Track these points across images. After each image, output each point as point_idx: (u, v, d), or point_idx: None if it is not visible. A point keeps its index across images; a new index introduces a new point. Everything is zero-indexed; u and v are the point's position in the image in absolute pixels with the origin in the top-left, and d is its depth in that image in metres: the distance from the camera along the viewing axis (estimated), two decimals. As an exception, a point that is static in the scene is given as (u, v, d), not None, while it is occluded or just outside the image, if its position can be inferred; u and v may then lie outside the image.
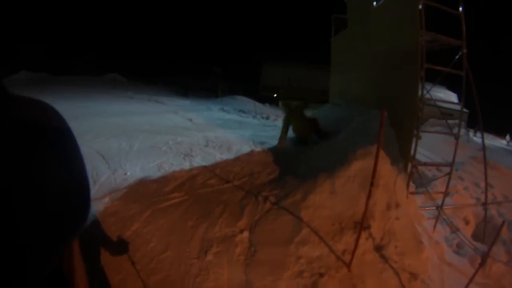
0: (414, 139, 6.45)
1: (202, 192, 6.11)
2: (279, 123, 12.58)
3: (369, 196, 4.39)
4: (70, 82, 20.34)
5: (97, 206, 5.49)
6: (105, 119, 11.28)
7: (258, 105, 16.48)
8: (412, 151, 6.50)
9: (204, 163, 7.37)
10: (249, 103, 16.36)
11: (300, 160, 7.49)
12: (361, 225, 4.53)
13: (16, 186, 0.46)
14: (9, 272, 0.44)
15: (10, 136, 0.47)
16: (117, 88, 19.38)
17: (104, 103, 14.49)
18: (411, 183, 6.47)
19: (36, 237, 0.48)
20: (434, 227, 6.19)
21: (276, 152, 8.21)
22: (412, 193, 6.34)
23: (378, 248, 4.83)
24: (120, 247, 4.43)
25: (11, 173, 0.46)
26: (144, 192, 5.98)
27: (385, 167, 5.78)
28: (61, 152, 0.57)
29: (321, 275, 4.36)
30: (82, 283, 0.68)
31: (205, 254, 4.60)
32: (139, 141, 8.85)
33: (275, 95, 22.66)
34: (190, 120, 12.05)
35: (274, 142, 9.19)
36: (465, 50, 6.48)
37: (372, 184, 4.32)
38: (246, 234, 4.97)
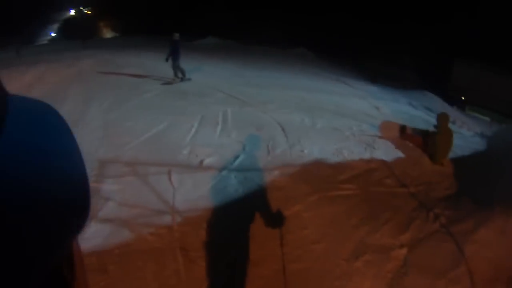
0: None
1: (375, 191, 5.85)
2: (464, 130, 11.18)
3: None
4: (257, 52, 21.71)
5: (266, 177, 5.64)
6: (291, 92, 11.60)
7: (446, 106, 15.18)
8: None
9: (384, 158, 7.03)
10: (437, 102, 15.19)
11: (480, 179, 6.64)
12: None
13: (14, 188, 0.43)
14: (8, 275, 0.41)
15: (7, 136, 0.45)
16: (305, 64, 19.88)
17: (291, 76, 14.99)
18: None
19: (35, 238, 0.45)
20: None
21: (456, 165, 7.37)
22: None
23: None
24: (276, 220, 4.45)
25: (8, 174, 0.43)
26: (317, 175, 5.97)
27: None
28: (60, 153, 0.55)
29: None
30: (82, 283, 0.68)
31: (356, 258, 4.39)
32: (323, 120, 8.85)
33: (463, 98, 20.63)
34: (377, 108, 11.56)
35: (460, 152, 8.20)
36: None
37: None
38: (404, 250, 4.60)
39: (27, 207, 0.44)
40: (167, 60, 11.30)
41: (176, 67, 11.29)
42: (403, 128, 8.51)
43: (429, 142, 7.51)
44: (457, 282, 4.18)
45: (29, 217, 0.44)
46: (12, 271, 0.41)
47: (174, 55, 11.23)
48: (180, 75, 11.41)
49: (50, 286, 0.51)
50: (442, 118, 7.55)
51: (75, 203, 0.54)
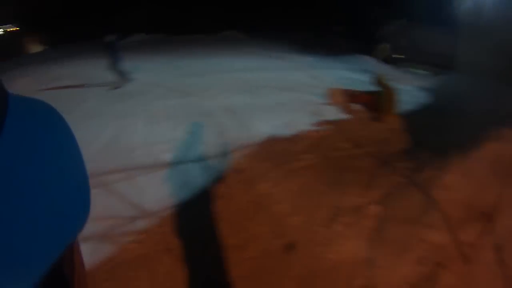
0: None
1: (333, 156, 5.95)
2: (404, 86, 11.62)
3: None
4: (187, 41, 21.29)
5: (225, 162, 5.67)
6: (229, 75, 11.61)
7: (382, 65, 15.66)
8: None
9: (334, 124, 7.20)
10: (372, 63, 15.64)
11: (431, 130, 6.93)
12: (491, 218, 4.18)
13: (14, 188, 0.44)
14: (8, 275, 0.41)
15: (8, 137, 0.46)
16: (237, 45, 19.76)
17: (226, 60, 14.93)
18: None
19: (36, 238, 0.45)
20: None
21: (404, 119, 7.66)
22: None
23: (497, 248, 4.24)
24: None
25: (8, 174, 0.44)
26: (273, 151, 6.01)
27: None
28: (60, 152, 0.56)
29: (439, 265, 4.01)
30: (82, 283, 0.72)
31: (333, 223, 4.47)
32: (266, 97, 8.93)
33: (396, 56, 21.44)
34: (316, 77, 11.75)
35: (404, 106, 8.37)
36: None
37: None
38: (376, 206, 4.72)
39: (27, 207, 0.44)
40: (113, 67, 10.83)
41: (117, 70, 10.88)
42: (348, 92, 8.72)
43: (377, 99, 7.77)
44: (433, 226, 4.32)
45: (29, 217, 0.44)
46: (13, 271, 0.41)
47: (114, 58, 10.82)
48: (122, 77, 11.00)
49: (50, 286, 0.52)
50: (379, 78, 7.89)
51: (75, 202, 0.55)
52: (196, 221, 4.54)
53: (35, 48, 29.17)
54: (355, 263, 4.03)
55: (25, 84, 11.16)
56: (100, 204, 4.90)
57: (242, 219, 4.46)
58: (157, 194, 5.04)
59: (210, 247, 4.12)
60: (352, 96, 8.54)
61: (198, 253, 4.08)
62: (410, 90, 10.80)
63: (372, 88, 8.07)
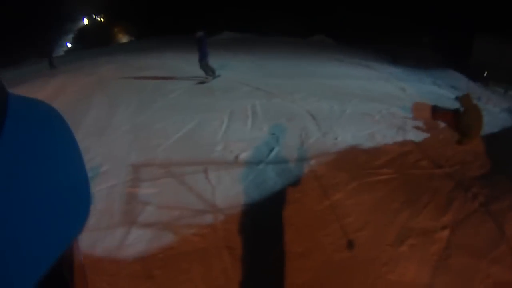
0: None
1: (412, 173, 5.79)
2: (491, 106, 10.82)
3: None
4: (276, 43, 21.40)
5: (303, 168, 5.69)
6: (316, 80, 11.53)
7: (471, 84, 14.81)
8: None
9: (417, 140, 6.99)
10: (461, 80, 14.79)
11: None
12: None
13: (14, 188, 0.44)
14: (7, 275, 0.42)
15: (8, 137, 0.46)
16: (325, 50, 19.58)
17: (314, 64, 14.86)
18: None
19: (36, 239, 0.46)
20: None
21: (487, 142, 7.21)
22: None
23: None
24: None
25: (8, 175, 0.44)
26: (353, 162, 5.96)
27: None
28: (60, 152, 0.56)
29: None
30: (81, 284, 0.70)
31: (400, 243, 4.35)
32: (351, 105, 8.80)
33: (485, 73, 19.93)
34: (403, 90, 11.39)
35: (489, 129, 7.93)
36: None
37: None
38: (446, 232, 4.54)
39: (27, 207, 0.44)
40: (201, 60, 11.13)
41: (204, 66, 11.18)
42: (434, 108, 8.37)
43: (460, 120, 7.37)
44: (499, 262, 4.11)
45: (29, 217, 0.44)
46: (13, 271, 0.42)
47: (201, 53, 11.11)
48: (209, 72, 11.29)
49: (50, 286, 0.51)
50: (466, 98, 7.48)
51: (75, 203, 0.54)
52: (263, 223, 4.59)
53: (121, 38, 30.94)
54: (414, 289, 3.98)
55: (110, 71, 11.90)
56: (170, 193, 5.15)
57: (310, 227, 4.47)
58: (229, 191, 5.18)
59: (273, 251, 4.15)
60: (437, 113, 8.23)
61: (260, 255, 4.12)
62: (494, 111, 10.15)
63: (458, 107, 7.69)
